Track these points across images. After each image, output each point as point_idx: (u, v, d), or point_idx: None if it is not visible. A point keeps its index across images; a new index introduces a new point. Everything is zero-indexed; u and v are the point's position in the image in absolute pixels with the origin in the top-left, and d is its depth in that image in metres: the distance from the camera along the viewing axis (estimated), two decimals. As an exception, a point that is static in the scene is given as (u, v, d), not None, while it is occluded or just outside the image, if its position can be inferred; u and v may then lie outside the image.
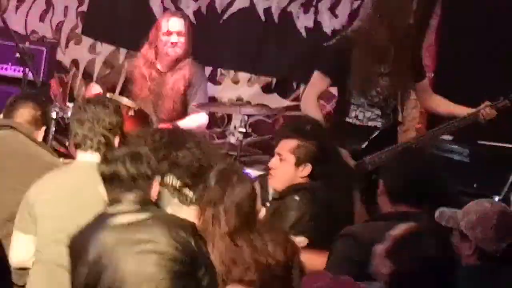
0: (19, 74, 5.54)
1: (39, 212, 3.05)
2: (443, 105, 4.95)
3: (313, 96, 4.88)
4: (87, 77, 6.48)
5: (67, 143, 5.15)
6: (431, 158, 4.28)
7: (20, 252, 3.13)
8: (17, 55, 5.38)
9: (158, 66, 5.37)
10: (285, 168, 3.69)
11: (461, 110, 4.86)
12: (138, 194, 2.47)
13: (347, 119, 4.80)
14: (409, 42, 4.83)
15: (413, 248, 2.45)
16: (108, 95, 5.14)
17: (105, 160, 2.58)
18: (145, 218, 2.43)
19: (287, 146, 3.76)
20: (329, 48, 5.30)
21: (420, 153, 4.36)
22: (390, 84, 4.76)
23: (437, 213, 3.09)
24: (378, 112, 4.82)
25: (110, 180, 2.51)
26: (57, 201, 3.08)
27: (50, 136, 4.95)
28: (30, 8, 6.48)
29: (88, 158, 3.10)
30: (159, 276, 2.33)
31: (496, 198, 4.91)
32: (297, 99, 6.15)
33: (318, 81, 4.84)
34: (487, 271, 2.85)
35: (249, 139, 5.67)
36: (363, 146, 4.73)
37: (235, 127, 5.94)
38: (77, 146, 3.29)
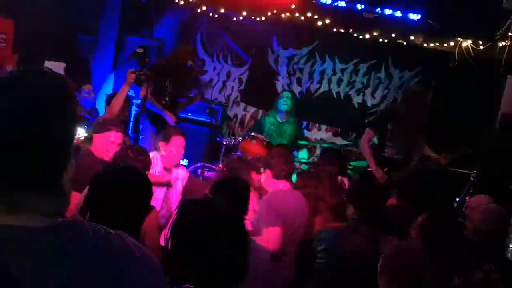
0: (208, 121, 7.33)
1: None
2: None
3: (367, 140, 5.99)
4: (241, 123, 8.30)
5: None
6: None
7: None
8: (208, 110, 7.28)
9: (278, 118, 6.78)
10: None
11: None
12: None
13: (382, 154, 5.90)
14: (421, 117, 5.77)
15: None
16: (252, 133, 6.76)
17: None
18: None
19: None
20: (377, 115, 6.99)
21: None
22: (405, 139, 5.69)
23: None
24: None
25: None
26: None
27: (221, 154, 6.99)
28: (214, 87, 8.39)
29: None
30: None
31: (457, 199, 6.12)
32: (351, 140, 7.74)
33: (368, 133, 5.98)
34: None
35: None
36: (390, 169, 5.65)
37: (317, 155, 6.94)
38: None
